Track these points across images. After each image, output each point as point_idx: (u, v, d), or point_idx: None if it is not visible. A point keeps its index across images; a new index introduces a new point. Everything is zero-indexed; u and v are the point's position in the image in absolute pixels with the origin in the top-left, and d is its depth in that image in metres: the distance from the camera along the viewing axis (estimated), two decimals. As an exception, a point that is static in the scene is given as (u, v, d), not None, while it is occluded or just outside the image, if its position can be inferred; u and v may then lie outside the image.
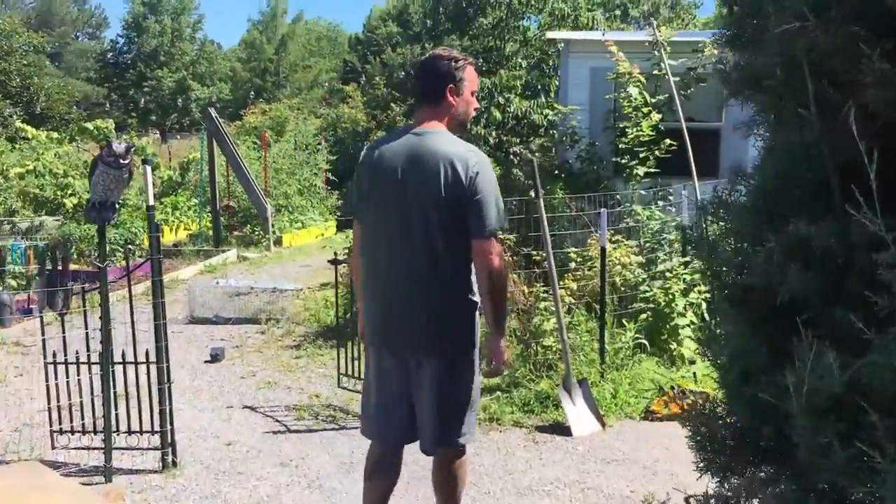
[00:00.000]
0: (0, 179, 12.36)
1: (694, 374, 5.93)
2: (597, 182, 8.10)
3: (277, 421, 5.44)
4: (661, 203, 7.60)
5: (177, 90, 54.61)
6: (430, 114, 2.92)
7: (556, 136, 10.92)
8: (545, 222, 5.34)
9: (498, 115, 15.91)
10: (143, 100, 55.32)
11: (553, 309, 5.80)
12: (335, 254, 5.86)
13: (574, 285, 6.44)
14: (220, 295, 8.47)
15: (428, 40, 18.07)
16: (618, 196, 7.72)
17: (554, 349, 5.81)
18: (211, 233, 12.92)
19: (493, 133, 16.52)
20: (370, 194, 2.92)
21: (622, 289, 6.45)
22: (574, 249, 6.92)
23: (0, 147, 14.67)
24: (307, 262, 11.96)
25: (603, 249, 5.64)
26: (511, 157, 16.30)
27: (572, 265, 6.85)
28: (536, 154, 17.13)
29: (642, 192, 7.66)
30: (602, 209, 5.74)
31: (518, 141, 17.33)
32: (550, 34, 9.16)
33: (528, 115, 16.21)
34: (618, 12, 18.49)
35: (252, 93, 44.62)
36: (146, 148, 12.99)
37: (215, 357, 6.90)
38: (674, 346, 6.14)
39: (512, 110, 16.16)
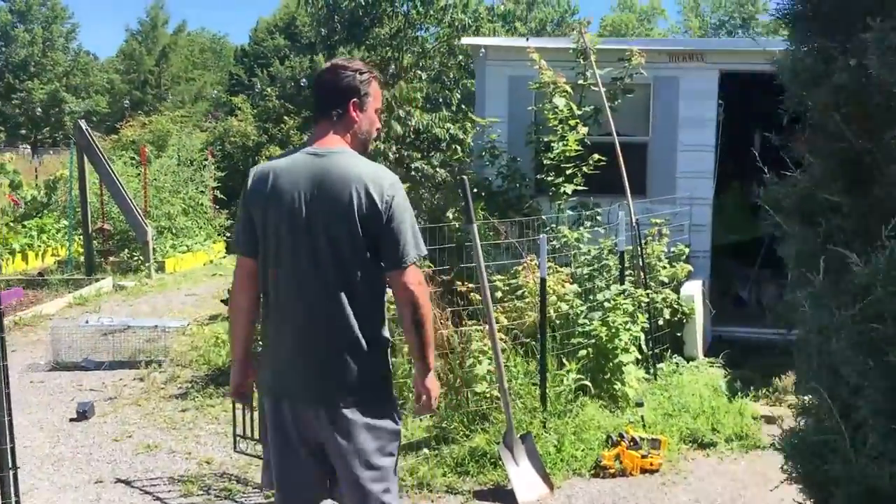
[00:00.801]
0: None
1: (642, 417, 5.29)
2: (519, 201, 7.42)
3: (158, 499, 4.44)
4: (588, 223, 7.01)
5: (49, 103, 51.67)
6: (330, 131, 2.62)
7: (461, 151, 10.30)
8: (479, 251, 4.58)
9: (399, 128, 15.12)
10: (12, 112, 52.19)
11: (486, 350, 5.06)
12: (228, 291, 4.90)
13: (504, 320, 5.70)
14: (90, 334, 7.31)
15: (322, 50, 17.12)
16: (543, 217, 7.05)
17: (488, 396, 5.05)
18: (83, 259, 11.55)
19: (393, 148, 15.76)
20: (266, 225, 2.57)
21: (557, 322, 5.75)
22: (499, 277, 6.19)
23: None
24: (193, 291, 10.80)
25: (543, 281, 4.91)
26: (413, 172, 15.60)
27: (498, 294, 6.12)
28: (439, 170, 16.50)
29: (569, 211, 7.03)
30: (541, 235, 5.03)
31: (419, 156, 16.66)
32: (466, 39, 8.50)
33: (430, 128, 15.52)
34: (518, 24, 18.09)
35: (130, 106, 42.41)
36: (5, 165, 11.53)
37: (83, 414, 5.79)
38: (617, 385, 5.48)
39: (413, 124, 15.43)
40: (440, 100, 16.26)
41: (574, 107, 6.90)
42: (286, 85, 17.03)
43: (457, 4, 16.72)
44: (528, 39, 8.67)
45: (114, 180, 11.26)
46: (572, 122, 6.92)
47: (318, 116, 2.67)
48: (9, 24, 54.08)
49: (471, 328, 5.29)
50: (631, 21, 55.80)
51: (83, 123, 11.26)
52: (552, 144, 6.96)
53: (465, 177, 4.57)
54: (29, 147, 51.91)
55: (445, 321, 5.79)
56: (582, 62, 7.18)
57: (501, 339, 5.52)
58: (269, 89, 16.45)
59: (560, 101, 6.80)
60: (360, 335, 2.53)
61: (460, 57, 17.15)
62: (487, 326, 4.62)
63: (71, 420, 5.78)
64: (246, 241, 2.62)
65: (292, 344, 2.58)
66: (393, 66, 17.65)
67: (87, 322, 7.36)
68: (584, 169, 6.89)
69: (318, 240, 2.50)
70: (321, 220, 2.50)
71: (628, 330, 5.58)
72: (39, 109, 52.25)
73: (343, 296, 2.51)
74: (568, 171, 6.91)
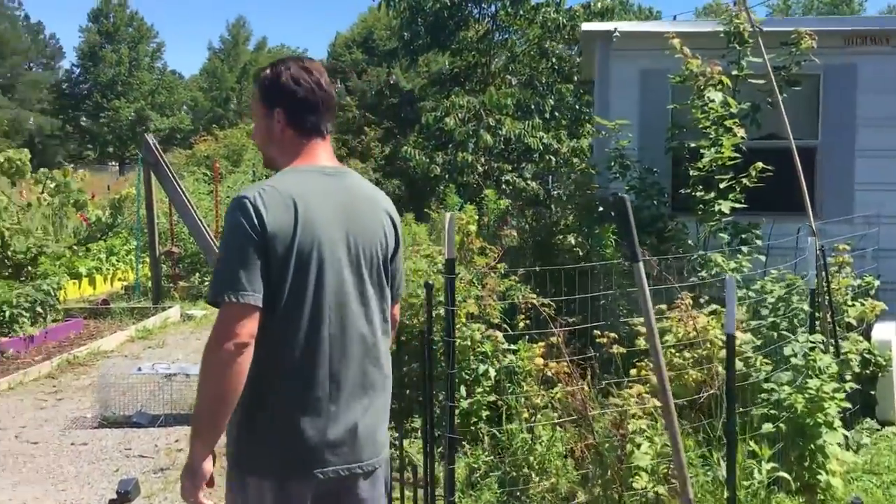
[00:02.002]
0: None
1: (861, 524, 3.81)
2: (654, 221, 6.01)
3: None
4: (745, 249, 5.56)
5: (135, 121, 52.60)
6: (326, 148, 2.19)
7: (583, 162, 8.91)
8: (648, 299, 3.22)
9: (488, 138, 13.88)
10: (100, 131, 53.39)
11: (648, 429, 3.70)
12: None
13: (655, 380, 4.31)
14: (145, 380, 6.22)
15: (404, 55, 16.04)
16: (689, 241, 5.65)
17: (651, 495, 3.68)
18: (151, 284, 10.63)
19: (482, 159, 14.51)
20: (296, 265, 1.98)
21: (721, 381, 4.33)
22: (640, 321, 4.81)
23: None
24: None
25: (731, 339, 3.51)
26: (504, 186, 14.30)
27: (640, 343, 4.75)
28: (530, 182, 15.15)
29: (724, 234, 5.60)
30: (728, 274, 3.63)
31: (510, 168, 15.37)
32: (588, 25, 7.15)
33: (522, 138, 14.22)
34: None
35: (209, 121, 42.54)
36: (70, 182, 10.76)
37: (124, 496, 4.58)
38: (821, 475, 4.03)
39: (503, 133, 14.16)
40: (532, 107, 14.92)
41: (732, 103, 5.47)
42: (366, 94, 15.95)
43: (549, 3, 15.42)
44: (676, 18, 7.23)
45: (183, 199, 10.31)
46: (728, 123, 5.49)
47: (312, 129, 2.16)
48: (97, 44, 55.40)
49: (627, 396, 3.92)
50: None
51: (151, 139, 10.36)
52: (702, 151, 5.54)
53: (625, 196, 3.22)
54: (117, 164, 53.03)
55: (577, 381, 4.47)
56: (738, 47, 5.75)
57: (653, 409, 4.16)
58: (348, 98, 15.40)
59: (717, 96, 5.38)
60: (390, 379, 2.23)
61: (553, 60, 15.82)
62: (661, 400, 3.26)
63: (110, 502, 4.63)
64: (254, 286, 1.93)
65: (338, 402, 2.04)
66: (480, 72, 16.49)
67: (139, 370, 6.27)
68: (744, 181, 5.46)
69: (363, 276, 2.12)
70: (363, 254, 2.12)
71: (833, 398, 4.12)
72: (126, 128, 53.27)
73: (385, 338, 2.19)
74: (722, 185, 5.48)
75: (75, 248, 10.69)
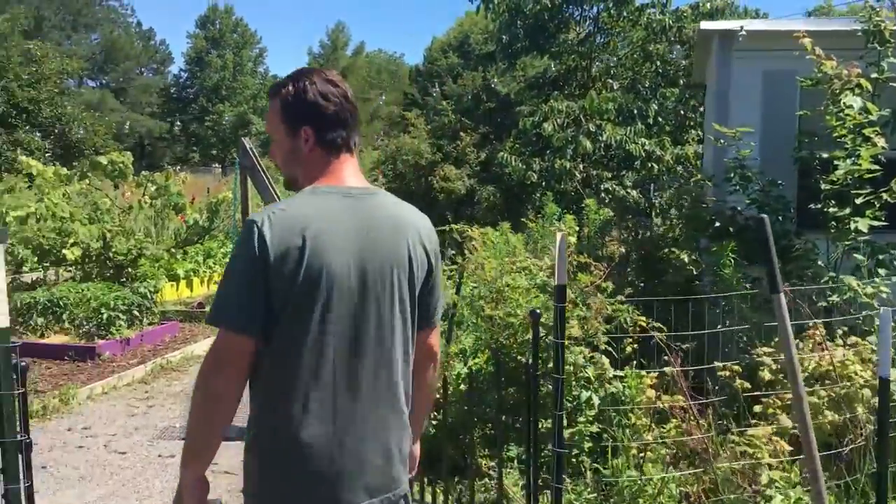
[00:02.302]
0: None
1: None
2: (778, 239, 5.46)
3: None
4: (882, 271, 4.98)
5: (237, 124, 54.00)
6: (355, 163, 2.06)
7: (688, 170, 8.38)
8: (790, 335, 2.80)
9: (588, 144, 13.42)
10: (205, 134, 55.14)
11: (780, 479, 3.25)
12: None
13: (787, 420, 3.85)
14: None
15: (502, 59, 15.70)
16: (818, 262, 5.11)
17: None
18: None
19: (581, 166, 14.04)
20: (304, 293, 1.86)
21: (871, 427, 3.81)
22: (766, 350, 4.35)
23: (10, 183, 12.79)
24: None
25: (885, 384, 3.02)
26: (602, 194, 13.78)
27: (765, 375, 4.28)
28: (631, 191, 14.56)
29: (858, 256, 5.04)
30: (882, 310, 3.13)
31: (609, 175, 14.83)
32: (707, 24, 6.65)
33: (623, 144, 13.68)
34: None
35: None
36: (169, 185, 10.88)
37: (205, 516, 4.44)
38: None
39: (604, 139, 13.66)
40: (634, 112, 14.35)
41: (872, 109, 4.90)
42: (463, 99, 15.69)
43: (655, 4, 14.81)
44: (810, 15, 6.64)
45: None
46: (867, 132, 4.92)
47: (342, 146, 2.03)
48: (204, 50, 57.13)
49: (755, 440, 3.48)
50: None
51: (247, 142, 10.35)
52: (835, 162, 5.00)
53: (765, 216, 2.80)
54: (220, 167, 54.62)
55: (694, 417, 4.04)
56: (878, 48, 5.18)
57: (782, 452, 3.69)
58: (444, 103, 15.17)
59: (855, 101, 4.83)
60: (406, 410, 2.08)
61: (658, 63, 15.20)
62: (805, 454, 2.83)
63: (193, 521, 4.46)
64: (251, 313, 1.85)
65: (344, 441, 1.94)
66: (580, 76, 16.02)
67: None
68: (885, 196, 4.89)
69: (381, 306, 1.97)
70: (381, 282, 1.98)
71: None
72: (229, 131, 54.74)
73: (405, 370, 2.06)
74: (858, 200, 4.92)
75: (173, 250, 10.78)
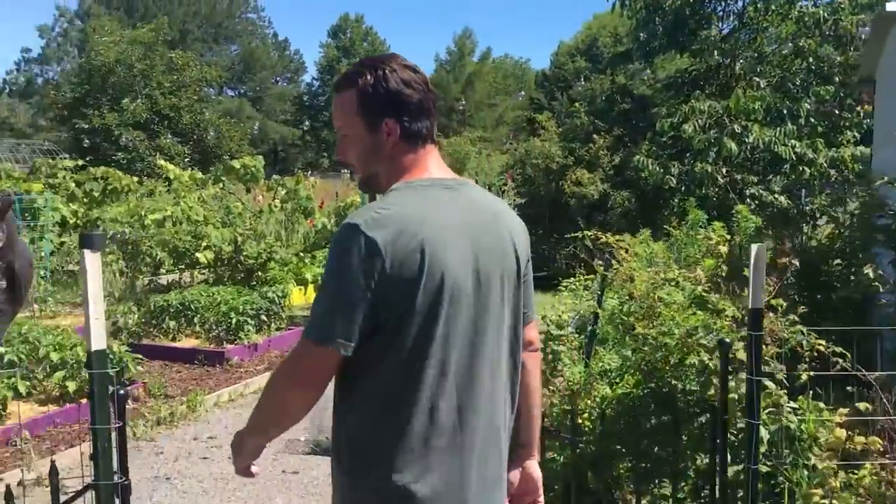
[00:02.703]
0: (138, 227, 10.58)
1: None
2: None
3: None
4: None
5: (367, 129, 55.22)
6: (437, 156, 1.89)
7: (852, 177, 7.60)
8: None
9: (732, 146, 12.50)
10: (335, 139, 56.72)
11: None
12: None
13: None
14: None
15: (639, 57, 14.95)
16: None
17: None
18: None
19: (724, 170, 13.12)
20: (421, 303, 1.65)
21: None
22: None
23: (150, 187, 13.22)
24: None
25: None
26: (748, 200, 12.82)
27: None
28: (779, 197, 13.50)
29: None
30: None
31: (755, 180, 13.82)
32: (891, 6, 5.86)
33: (772, 146, 12.67)
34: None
35: (438, 133, 43.62)
36: (299, 189, 10.86)
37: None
38: None
39: (750, 141, 12.69)
40: (783, 112, 13.29)
41: None
42: (596, 100, 15.06)
43: (807, -6, 13.70)
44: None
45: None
46: None
47: (427, 136, 1.83)
48: (335, 59, 58.69)
49: None
50: None
51: (376, 145, 10.15)
52: None
53: None
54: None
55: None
56: None
57: None
58: (577, 105, 14.59)
59: None
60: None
61: (810, 59, 14.05)
62: None
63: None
64: (352, 332, 1.62)
65: (469, 457, 1.74)
66: (722, 74, 15.05)
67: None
68: None
69: (495, 312, 1.78)
70: (494, 283, 1.78)
71: None
72: (357, 136, 56.12)
73: (515, 386, 1.89)
74: None
75: (301, 254, 10.73)
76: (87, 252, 1.66)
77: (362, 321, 1.62)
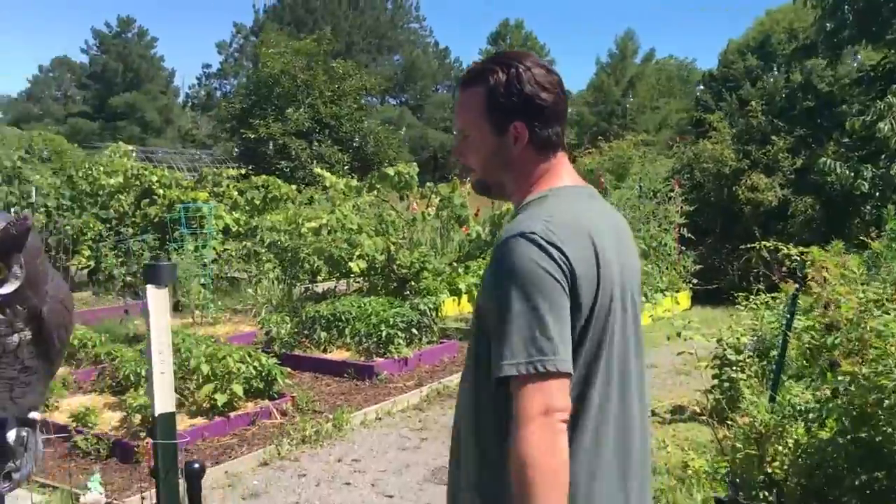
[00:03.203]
0: (295, 235, 10.65)
1: None
2: None
3: None
4: None
5: (524, 136, 55.08)
6: (569, 164, 1.76)
7: None
8: None
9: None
10: None
11: None
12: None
13: None
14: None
15: (824, 50, 13.60)
16: None
17: None
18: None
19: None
20: (600, 320, 1.57)
21: None
22: None
23: (309, 195, 13.37)
24: (650, 360, 8.39)
25: None
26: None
27: None
28: None
29: None
30: None
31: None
32: None
33: None
34: None
35: (593, 135, 42.67)
36: (454, 197, 10.54)
37: None
38: None
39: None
40: None
41: None
42: (774, 98, 13.83)
43: None
44: None
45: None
46: None
47: (558, 143, 1.71)
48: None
49: None
50: None
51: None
52: None
53: None
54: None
55: None
56: None
57: None
58: (753, 103, 13.44)
59: None
60: None
61: None
62: None
63: None
64: (569, 348, 1.49)
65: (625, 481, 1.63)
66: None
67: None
68: None
69: (636, 328, 1.71)
70: (632, 298, 1.69)
71: None
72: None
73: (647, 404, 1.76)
74: None
75: (455, 263, 10.40)
76: (151, 289, 1.29)
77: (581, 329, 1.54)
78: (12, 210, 12.19)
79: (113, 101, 59.15)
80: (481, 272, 11.36)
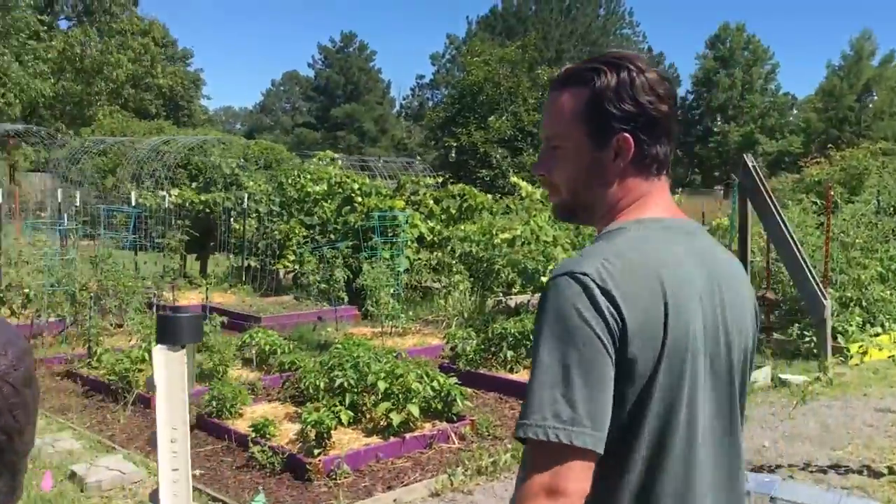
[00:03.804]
0: (490, 246, 10.36)
1: None
2: None
3: None
4: None
5: (743, 144, 52.17)
6: (668, 191, 1.50)
7: None
8: None
9: None
10: (707, 155, 54.57)
11: None
12: None
13: None
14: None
15: None
16: None
17: None
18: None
19: None
20: (669, 387, 1.31)
21: None
22: None
23: (500, 205, 13.06)
24: (886, 404, 7.19)
25: None
26: None
27: None
28: None
29: None
30: None
31: None
32: None
33: None
34: None
35: (827, 145, 39.41)
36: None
37: None
38: None
39: None
40: None
41: None
42: None
43: None
44: None
45: (783, 233, 8.41)
46: None
47: (664, 164, 1.45)
48: (712, 70, 56.40)
49: None
50: None
51: (750, 160, 8.72)
52: None
53: None
54: (721, 189, 53.14)
55: None
56: None
57: None
58: None
59: None
60: None
61: None
62: None
63: None
64: (601, 420, 1.23)
65: None
66: None
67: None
68: None
69: (733, 398, 1.43)
70: (734, 361, 1.43)
71: None
72: (733, 151, 53.38)
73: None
74: None
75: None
76: (161, 351, 0.91)
77: (610, 402, 1.27)
78: (231, 213, 12.91)
79: (334, 111, 62.82)
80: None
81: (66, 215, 12.30)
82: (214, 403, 6.02)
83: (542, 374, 1.23)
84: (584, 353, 1.22)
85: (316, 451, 5.31)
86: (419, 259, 10.83)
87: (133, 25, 36.37)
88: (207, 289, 9.57)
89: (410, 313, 9.72)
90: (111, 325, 8.64)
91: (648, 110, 1.39)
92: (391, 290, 9.06)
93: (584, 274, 1.26)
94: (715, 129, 54.90)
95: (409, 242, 10.76)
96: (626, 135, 1.39)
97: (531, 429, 1.21)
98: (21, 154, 23.66)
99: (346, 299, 9.83)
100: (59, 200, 13.86)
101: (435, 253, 11.30)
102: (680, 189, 25.57)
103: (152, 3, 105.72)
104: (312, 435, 5.46)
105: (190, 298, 10.60)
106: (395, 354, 6.66)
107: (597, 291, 1.25)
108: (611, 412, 1.24)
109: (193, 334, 1.40)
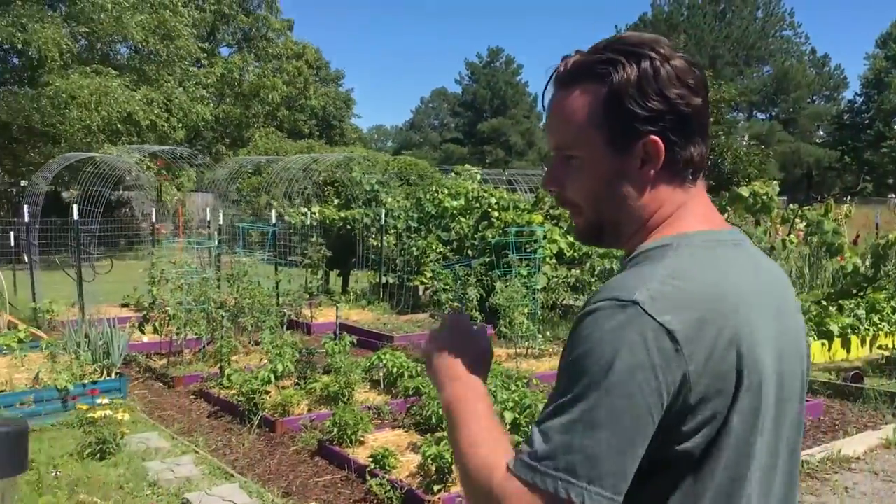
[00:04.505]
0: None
1: None
2: None
3: None
4: None
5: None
6: (707, 197, 1.30)
7: None
8: None
9: None
10: (880, 161, 50.69)
11: None
12: None
13: None
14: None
15: None
16: None
17: None
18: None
19: None
20: (741, 441, 1.12)
21: None
22: None
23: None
24: None
25: None
26: None
27: None
28: None
29: None
30: None
31: None
32: None
33: None
34: None
35: None
36: (824, 222, 8.71)
37: None
38: None
39: None
40: None
41: None
42: None
43: None
44: None
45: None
46: None
47: (700, 166, 1.24)
48: (884, 70, 52.73)
49: None
50: None
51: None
52: None
53: None
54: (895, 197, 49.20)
55: None
56: None
57: None
58: None
59: None
60: None
61: None
62: None
63: None
64: (623, 480, 1.04)
65: None
66: None
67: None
68: None
69: (792, 442, 1.23)
70: (793, 398, 1.23)
71: None
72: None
73: None
74: None
75: (825, 301, 8.60)
76: None
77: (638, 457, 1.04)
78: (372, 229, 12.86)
79: (481, 126, 63.12)
80: (860, 312, 9.37)
81: (207, 234, 12.65)
82: (336, 431, 5.76)
83: (564, 414, 1.04)
84: (621, 404, 1.02)
85: (436, 488, 4.92)
86: (556, 276, 10.29)
87: (288, 49, 37.88)
88: (338, 307, 9.45)
89: (548, 334, 9.20)
90: (249, 342, 8.67)
91: (678, 106, 1.16)
92: (526, 310, 8.59)
93: (635, 302, 1.05)
94: (887, 134, 50.87)
95: (547, 258, 10.25)
96: (655, 137, 1.16)
97: (538, 476, 1.03)
98: (185, 175, 24.99)
99: (480, 318, 9.45)
100: (208, 219, 14.33)
101: (574, 270, 10.72)
102: (848, 198, 23.68)
103: (307, 27, 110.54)
104: (433, 469, 5.08)
105: (328, 316, 10.57)
106: (525, 382, 6.19)
107: (650, 322, 1.03)
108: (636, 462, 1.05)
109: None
